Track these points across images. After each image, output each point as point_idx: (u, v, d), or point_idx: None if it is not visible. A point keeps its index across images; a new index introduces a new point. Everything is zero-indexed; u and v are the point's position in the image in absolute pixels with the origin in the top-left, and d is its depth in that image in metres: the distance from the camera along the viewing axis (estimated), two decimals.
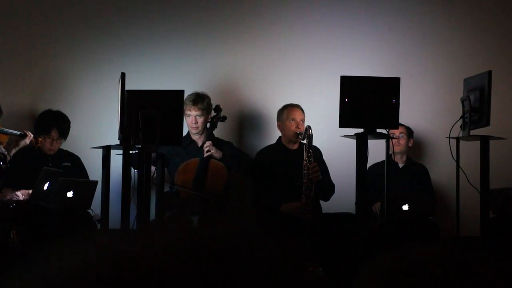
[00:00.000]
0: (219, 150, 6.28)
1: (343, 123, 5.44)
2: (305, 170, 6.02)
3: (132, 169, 5.44)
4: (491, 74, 5.50)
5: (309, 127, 6.03)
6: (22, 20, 6.68)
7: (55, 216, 5.75)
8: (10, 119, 6.35)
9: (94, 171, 6.24)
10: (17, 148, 5.95)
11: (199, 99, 6.33)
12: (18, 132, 5.94)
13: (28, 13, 6.69)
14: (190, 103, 6.28)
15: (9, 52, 6.67)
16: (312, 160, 6.05)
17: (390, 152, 5.95)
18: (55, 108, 6.41)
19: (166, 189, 6.16)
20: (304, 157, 6.04)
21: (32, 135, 5.99)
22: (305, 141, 6.10)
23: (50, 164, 6.18)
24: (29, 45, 6.68)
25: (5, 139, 5.92)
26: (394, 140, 6.33)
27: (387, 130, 5.59)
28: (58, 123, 6.28)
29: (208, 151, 6.21)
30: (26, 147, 6.05)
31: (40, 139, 6.09)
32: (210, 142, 6.25)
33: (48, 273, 0.75)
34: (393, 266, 0.93)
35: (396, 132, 6.39)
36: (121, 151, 5.34)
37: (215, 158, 6.26)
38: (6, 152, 5.83)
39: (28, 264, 0.77)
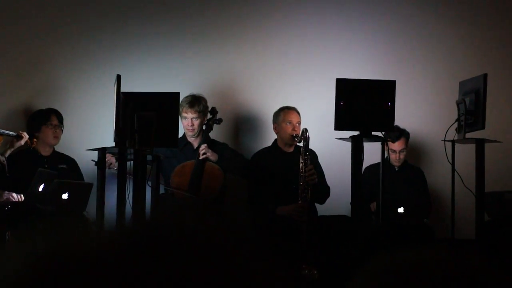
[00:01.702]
0: (215, 153, 6.28)
1: (338, 126, 5.45)
2: (301, 172, 6.02)
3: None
4: (487, 77, 5.51)
5: (305, 130, 6.03)
6: (17, 22, 6.67)
7: (49, 218, 5.74)
8: (5, 121, 6.35)
9: (90, 173, 6.24)
10: (12, 149, 5.92)
11: (196, 101, 6.32)
12: (13, 133, 5.91)
13: (23, 15, 6.68)
14: (187, 105, 6.28)
15: (5, 55, 6.66)
16: (309, 163, 6.06)
17: (386, 155, 5.97)
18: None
19: (162, 191, 6.16)
20: (301, 159, 6.04)
21: (27, 136, 5.96)
22: (301, 144, 6.10)
23: (46, 166, 6.17)
24: (24, 47, 6.67)
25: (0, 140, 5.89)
26: (394, 156, 6.43)
27: (385, 137, 5.60)
28: (55, 111, 6.30)
29: (204, 154, 6.21)
30: (22, 149, 6.03)
31: (34, 140, 6.07)
32: (205, 145, 6.24)
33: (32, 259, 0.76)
34: (388, 269, 0.93)
35: (396, 148, 6.44)
36: (116, 153, 5.34)
37: (210, 161, 6.26)
38: (1, 159, 5.80)
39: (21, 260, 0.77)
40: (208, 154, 6.22)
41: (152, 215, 0.81)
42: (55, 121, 6.26)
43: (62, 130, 6.34)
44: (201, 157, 6.20)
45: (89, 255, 0.75)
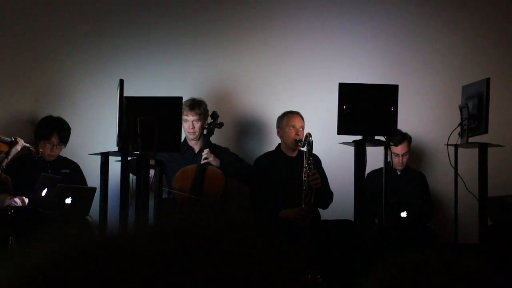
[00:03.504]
0: (217, 158, 6.28)
1: (341, 130, 5.44)
2: (305, 177, 6.02)
3: (130, 174, 5.43)
4: (490, 81, 5.50)
5: (309, 135, 6.03)
6: (21, 27, 6.68)
7: (53, 222, 5.73)
8: (10, 126, 6.35)
9: (93, 178, 6.24)
10: (9, 158, 5.86)
11: (196, 104, 6.34)
12: (8, 139, 5.86)
13: (26, 20, 6.69)
14: (187, 108, 6.28)
15: (8, 59, 6.67)
16: (312, 168, 6.05)
17: (388, 160, 5.96)
18: (54, 115, 6.40)
19: (164, 195, 6.16)
20: (304, 164, 6.04)
21: (22, 141, 5.91)
22: (305, 149, 6.10)
23: (49, 171, 6.17)
24: (28, 52, 6.68)
25: (4, 148, 5.85)
26: (397, 159, 6.44)
27: (388, 141, 5.60)
28: (59, 129, 6.28)
29: (205, 158, 6.21)
30: (25, 153, 6.01)
31: (40, 149, 6.05)
32: (208, 150, 6.25)
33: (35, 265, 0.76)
34: (392, 274, 0.93)
35: (399, 152, 6.44)
36: (119, 158, 5.34)
37: (212, 165, 6.26)
38: (3, 176, 5.77)
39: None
40: (210, 159, 6.22)
41: (155, 218, 0.80)
42: (55, 141, 6.25)
43: (66, 145, 6.34)
44: (202, 161, 6.21)
45: (91, 258, 0.75)
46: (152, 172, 5.85)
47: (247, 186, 6.43)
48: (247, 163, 6.52)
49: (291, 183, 6.19)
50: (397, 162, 6.53)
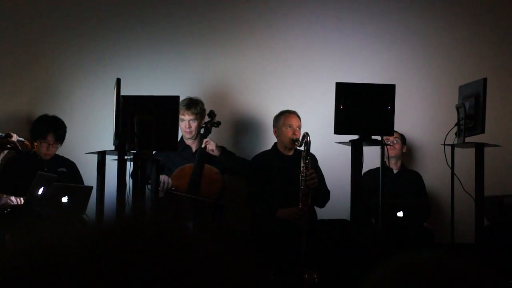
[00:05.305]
0: (219, 147, 6.28)
1: (338, 130, 5.45)
2: (302, 176, 6.02)
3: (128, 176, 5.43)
4: (486, 81, 5.51)
5: (307, 134, 6.03)
6: (17, 26, 6.67)
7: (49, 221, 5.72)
8: (5, 125, 6.34)
9: (89, 177, 6.23)
10: (5, 152, 5.84)
11: (193, 103, 6.34)
12: (2, 134, 5.84)
13: (23, 18, 6.68)
14: (184, 107, 6.28)
15: (4, 57, 6.66)
16: (309, 167, 6.06)
17: (385, 159, 5.95)
18: (51, 113, 6.40)
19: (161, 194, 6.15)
20: (302, 163, 6.04)
21: (16, 135, 5.89)
22: (302, 148, 6.10)
23: (46, 169, 6.16)
24: (25, 50, 6.68)
25: None
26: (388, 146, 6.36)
27: (382, 136, 5.60)
28: (54, 128, 6.27)
29: (206, 146, 6.20)
30: (22, 152, 5.99)
31: (35, 143, 6.05)
32: (209, 139, 6.25)
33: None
34: (390, 276, 0.93)
35: (390, 138, 6.41)
36: (116, 157, 5.34)
37: (209, 161, 6.26)
38: None
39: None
40: (211, 147, 6.20)
41: (151, 214, 0.80)
42: (50, 140, 6.25)
43: (62, 143, 6.33)
44: (203, 145, 6.20)
45: (81, 253, 0.75)
46: (162, 177, 5.89)
47: (245, 184, 6.42)
48: (245, 159, 6.52)
49: (287, 182, 6.19)
50: (389, 147, 6.32)
